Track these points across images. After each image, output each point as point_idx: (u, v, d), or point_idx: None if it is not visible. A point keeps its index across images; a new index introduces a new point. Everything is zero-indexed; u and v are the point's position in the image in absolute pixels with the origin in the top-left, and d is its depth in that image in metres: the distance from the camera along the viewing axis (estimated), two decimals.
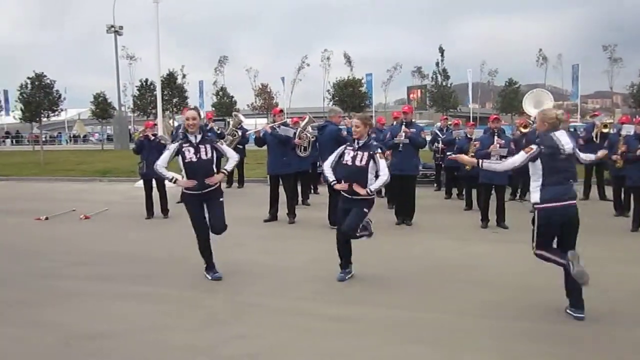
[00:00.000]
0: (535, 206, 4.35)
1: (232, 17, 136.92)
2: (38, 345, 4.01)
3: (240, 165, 13.40)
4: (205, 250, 5.59)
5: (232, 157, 5.82)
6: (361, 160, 5.35)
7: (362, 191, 5.24)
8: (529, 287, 5.17)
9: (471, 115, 44.49)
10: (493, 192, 8.37)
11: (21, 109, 33.03)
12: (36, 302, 5.01)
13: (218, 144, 5.64)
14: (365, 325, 4.33)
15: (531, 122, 9.15)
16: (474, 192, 9.88)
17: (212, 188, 5.45)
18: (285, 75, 50.50)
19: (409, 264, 6.19)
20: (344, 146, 5.61)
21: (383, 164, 5.34)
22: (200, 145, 5.41)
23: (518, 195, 11.24)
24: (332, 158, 5.61)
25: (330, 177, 5.54)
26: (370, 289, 5.24)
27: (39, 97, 30.64)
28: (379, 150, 5.39)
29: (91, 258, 6.62)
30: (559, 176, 4.28)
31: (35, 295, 5.19)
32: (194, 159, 5.36)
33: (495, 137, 8.38)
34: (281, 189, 8.99)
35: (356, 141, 5.45)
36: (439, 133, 13.03)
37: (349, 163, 5.38)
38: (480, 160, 4.76)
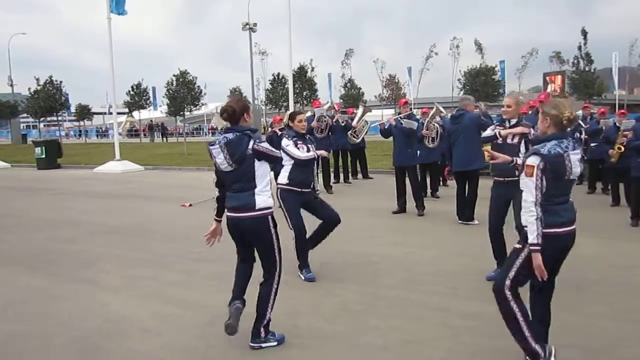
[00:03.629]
0: None
1: (359, 9, 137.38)
2: (189, 323, 4.35)
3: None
4: (305, 247, 5.50)
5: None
6: (512, 139, 5.14)
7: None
8: None
9: (617, 103, 40.61)
10: None
11: (167, 104, 35.99)
12: (186, 284, 5.44)
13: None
14: (502, 325, 4.13)
15: None
16: (622, 186, 9.03)
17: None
18: (413, 65, 49.68)
19: None
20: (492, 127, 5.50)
21: None
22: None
23: None
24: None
25: None
26: None
27: (183, 93, 33.12)
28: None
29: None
30: None
31: (186, 277, 5.65)
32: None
33: None
34: (407, 181, 8.90)
35: (507, 122, 5.28)
36: (581, 123, 12.07)
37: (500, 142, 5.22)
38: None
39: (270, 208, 3.77)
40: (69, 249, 7.04)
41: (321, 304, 4.74)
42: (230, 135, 3.64)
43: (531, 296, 3.51)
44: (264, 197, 3.72)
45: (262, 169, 3.72)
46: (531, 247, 3.18)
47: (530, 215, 3.16)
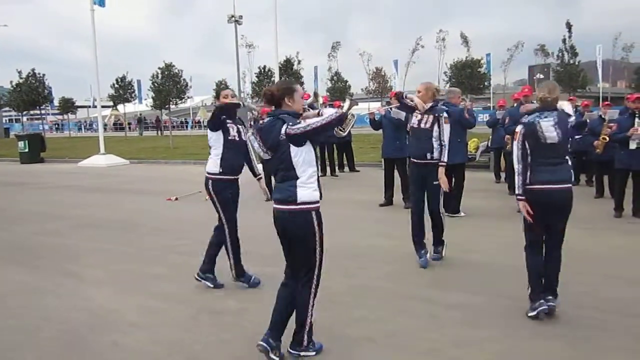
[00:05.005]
0: None
1: (346, 2, 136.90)
2: (174, 317, 4.33)
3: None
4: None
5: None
6: (425, 124, 5.41)
7: None
8: None
9: (601, 95, 41.02)
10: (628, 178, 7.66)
11: (152, 97, 35.66)
12: (171, 277, 5.41)
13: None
14: (488, 316, 4.18)
15: None
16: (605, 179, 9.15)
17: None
18: (399, 58, 49.71)
19: None
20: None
21: None
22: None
23: None
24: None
25: None
26: (492, 278, 5.03)
27: (168, 86, 32.81)
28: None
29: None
30: None
31: (171, 271, 5.61)
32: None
33: (636, 120, 7.48)
34: (396, 173, 8.92)
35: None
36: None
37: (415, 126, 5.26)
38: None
39: (315, 203, 3.32)
40: (53, 242, 6.96)
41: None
42: (266, 120, 3.34)
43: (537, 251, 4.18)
44: (308, 190, 3.30)
45: (302, 157, 3.25)
46: (517, 198, 4.05)
47: (515, 170, 4.05)
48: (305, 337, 3.46)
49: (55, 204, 10.31)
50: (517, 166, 4.04)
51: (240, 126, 5.01)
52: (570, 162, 4.20)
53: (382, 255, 5.93)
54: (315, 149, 3.32)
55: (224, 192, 4.84)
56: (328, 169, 13.39)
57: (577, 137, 11.11)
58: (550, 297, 4.05)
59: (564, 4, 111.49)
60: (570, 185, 4.11)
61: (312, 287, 3.42)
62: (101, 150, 19.47)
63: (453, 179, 8.11)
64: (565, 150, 4.12)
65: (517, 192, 4.05)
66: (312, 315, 3.45)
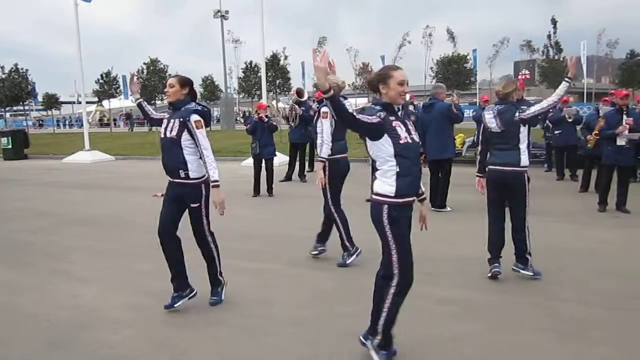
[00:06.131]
0: None
1: None
2: (161, 313, 4.29)
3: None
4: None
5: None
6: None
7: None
8: None
9: (585, 91, 41.48)
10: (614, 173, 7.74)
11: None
12: (157, 274, 5.35)
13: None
14: (475, 309, 4.20)
15: None
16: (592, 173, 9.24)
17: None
18: (386, 54, 49.78)
19: None
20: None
21: None
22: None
23: (638, 177, 10.37)
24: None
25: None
26: (480, 272, 5.06)
27: (154, 82, 32.58)
28: None
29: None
30: None
31: (158, 268, 5.56)
32: None
33: (624, 116, 7.49)
34: None
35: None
36: (550, 110, 12.28)
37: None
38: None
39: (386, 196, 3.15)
40: (37, 240, 6.88)
41: (294, 291, 4.73)
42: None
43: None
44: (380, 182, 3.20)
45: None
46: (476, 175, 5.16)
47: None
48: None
49: (40, 200, 10.19)
50: (478, 149, 5.10)
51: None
52: (525, 149, 4.79)
53: (369, 251, 5.92)
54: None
55: None
56: (315, 164, 13.34)
57: (556, 132, 11.33)
58: (496, 264, 4.88)
59: (550, 0, 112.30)
60: (515, 168, 4.75)
61: None
62: (86, 147, 19.27)
63: (440, 174, 8.16)
64: (512, 138, 4.76)
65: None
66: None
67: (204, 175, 4.19)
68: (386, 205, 3.15)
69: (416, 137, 3.20)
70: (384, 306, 3.27)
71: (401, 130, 3.09)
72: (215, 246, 4.44)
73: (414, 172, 3.15)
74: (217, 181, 4.10)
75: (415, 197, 3.28)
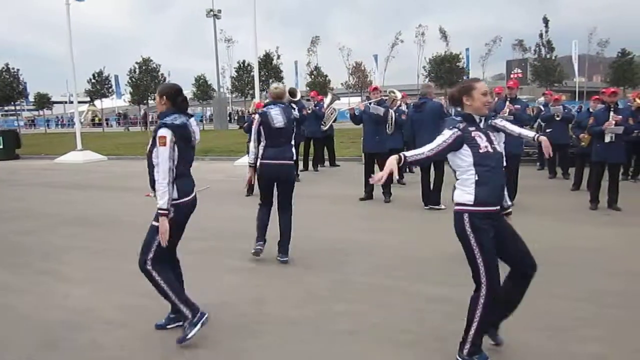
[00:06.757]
0: None
1: None
2: (153, 313, 4.29)
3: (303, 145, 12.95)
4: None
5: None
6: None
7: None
8: None
9: (577, 90, 41.66)
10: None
11: (130, 92, 35.26)
12: None
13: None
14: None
15: None
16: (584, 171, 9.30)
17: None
18: (379, 53, 49.84)
19: None
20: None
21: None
22: None
23: (631, 174, 10.46)
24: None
25: None
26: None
27: (146, 81, 32.45)
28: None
29: (199, 233, 6.95)
30: None
31: None
32: None
33: (612, 113, 7.56)
34: (377, 168, 8.95)
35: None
36: (542, 108, 12.37)
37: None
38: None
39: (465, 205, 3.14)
40: (29, 240, 6.84)
41: (288, 291, 4.74)
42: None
43: None
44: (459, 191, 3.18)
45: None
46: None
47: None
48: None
49: (32, 201, 10.14)
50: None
51: None
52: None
53: (362, 250, 5.95)
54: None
55: None
56: (310, 163, 13.41)
57: (547, 130, 11.40)
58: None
59: (542, 0, 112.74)
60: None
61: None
62: (78, 147, 19.18)
63: (434, 172, 8.19)
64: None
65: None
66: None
67: (175, 198, 3.67)
68: (467, 214, 3.14)
69: (499, 147, 3.22)
70: (475, 316, 3.25)
71: (481, 140, 3.13)
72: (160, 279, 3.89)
73: (495, 180, 3.15)
74: (162, 209, 3.58)
75: (498, 208, 3.23)
